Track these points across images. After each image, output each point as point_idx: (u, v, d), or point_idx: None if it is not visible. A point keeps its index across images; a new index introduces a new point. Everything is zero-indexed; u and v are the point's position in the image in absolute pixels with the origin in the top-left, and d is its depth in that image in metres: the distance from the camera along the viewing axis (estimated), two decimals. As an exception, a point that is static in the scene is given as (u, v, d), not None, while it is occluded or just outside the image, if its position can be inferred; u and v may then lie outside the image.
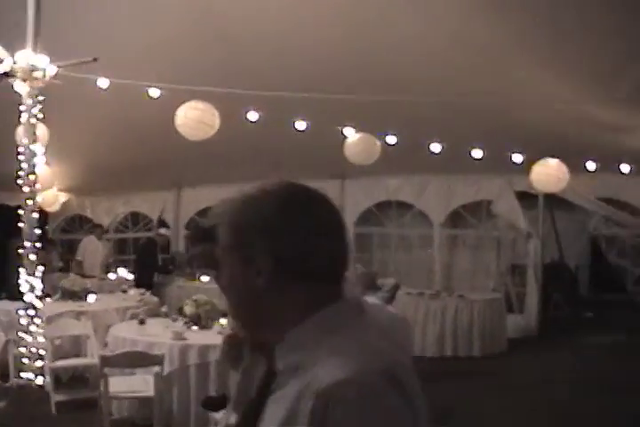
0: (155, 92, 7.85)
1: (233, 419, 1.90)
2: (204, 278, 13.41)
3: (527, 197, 13.16)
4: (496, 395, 8.58)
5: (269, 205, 1.48)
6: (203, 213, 14.58)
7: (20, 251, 8.02)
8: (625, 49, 6.65)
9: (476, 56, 7.02)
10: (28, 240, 7.96)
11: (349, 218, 14.13)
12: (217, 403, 4.72)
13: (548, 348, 11.57)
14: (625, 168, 10.56)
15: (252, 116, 8.35)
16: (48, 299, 9.03)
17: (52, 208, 13.66)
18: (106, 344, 7.79)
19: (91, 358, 7.96)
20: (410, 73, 7.31)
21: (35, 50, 7.38)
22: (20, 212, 8.01)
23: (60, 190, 14.08)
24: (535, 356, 10.97)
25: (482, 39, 6.80)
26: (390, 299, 8.74)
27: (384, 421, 1.31)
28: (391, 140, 8.93)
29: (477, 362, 10.54)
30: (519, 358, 10.87)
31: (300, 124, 8.50)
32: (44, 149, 8.28)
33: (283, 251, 1.43)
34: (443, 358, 10.68)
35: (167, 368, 6.57)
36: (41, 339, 7.93)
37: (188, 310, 7.77)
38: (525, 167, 9.47)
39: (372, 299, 6.26)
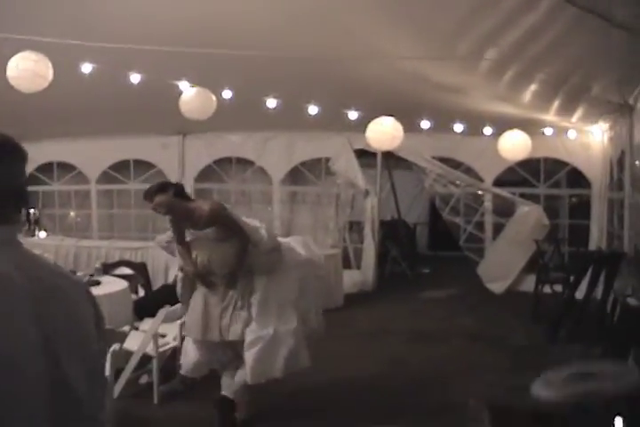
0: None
1: None
2: (42, 235, 13.27)
3: (367, 156, 13.36)
4: (335, 344, 8.82)
5: None
6: (44, 168, 14.22)
7: None
8: (467, 9, 6.72)
9: (311, 11, 6.97)
10: None
11: (189, 174, 14.06)
12: None
13: (384, 302, 11.88)
14: (458, 128, 10.83)
15: (86, 68, 8.07)
16: None
17: None
18: None
19: None
20: (243, 26, 7.19)
21: None
22: None
23: None
24: (371, 309, 11.25)
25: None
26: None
27: None
28: (227, 94, 8.83)
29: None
30: (355, 311, 11.11)
31: (135, 78, 8.29)
32: None
33: None
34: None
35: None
36: None
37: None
38: (364, 125, 9.55)
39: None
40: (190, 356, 6.29)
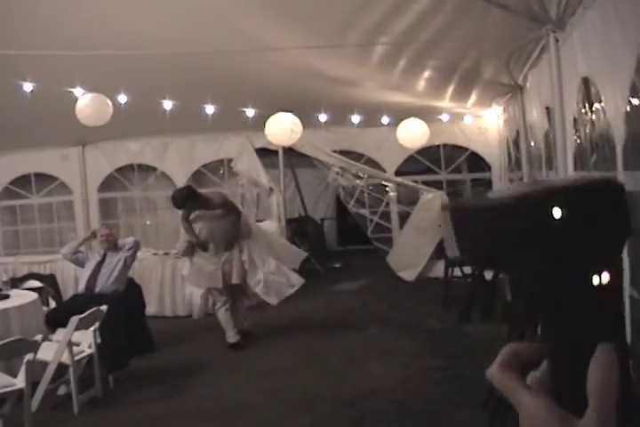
0: None
1: None
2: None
3: (269, 155, 13.40)
4: (252, 340, 8.91)
5: None
6: None
7: None
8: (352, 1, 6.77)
9: (199, 10, 6.93)
10: None
11: (92, 184, 13.86)
12: None
13: (297, 297, 11.87)
14: (356, 120, 10.94)
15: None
16: None
17: None
18: None
19: None
20: (133, 27, 7.08)
21: None
22: None
23: None
24: (284, 304, 11.25)
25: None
26: (132, 257, 8.71)
27: None
28: (123, 99, 8.75)
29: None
30: (268, 307, 11.09)
31: (28, 87, 8.12)
32: None
33: None
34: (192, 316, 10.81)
35: None
36: None
37: None
38: (263, 124, 9.57)
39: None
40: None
